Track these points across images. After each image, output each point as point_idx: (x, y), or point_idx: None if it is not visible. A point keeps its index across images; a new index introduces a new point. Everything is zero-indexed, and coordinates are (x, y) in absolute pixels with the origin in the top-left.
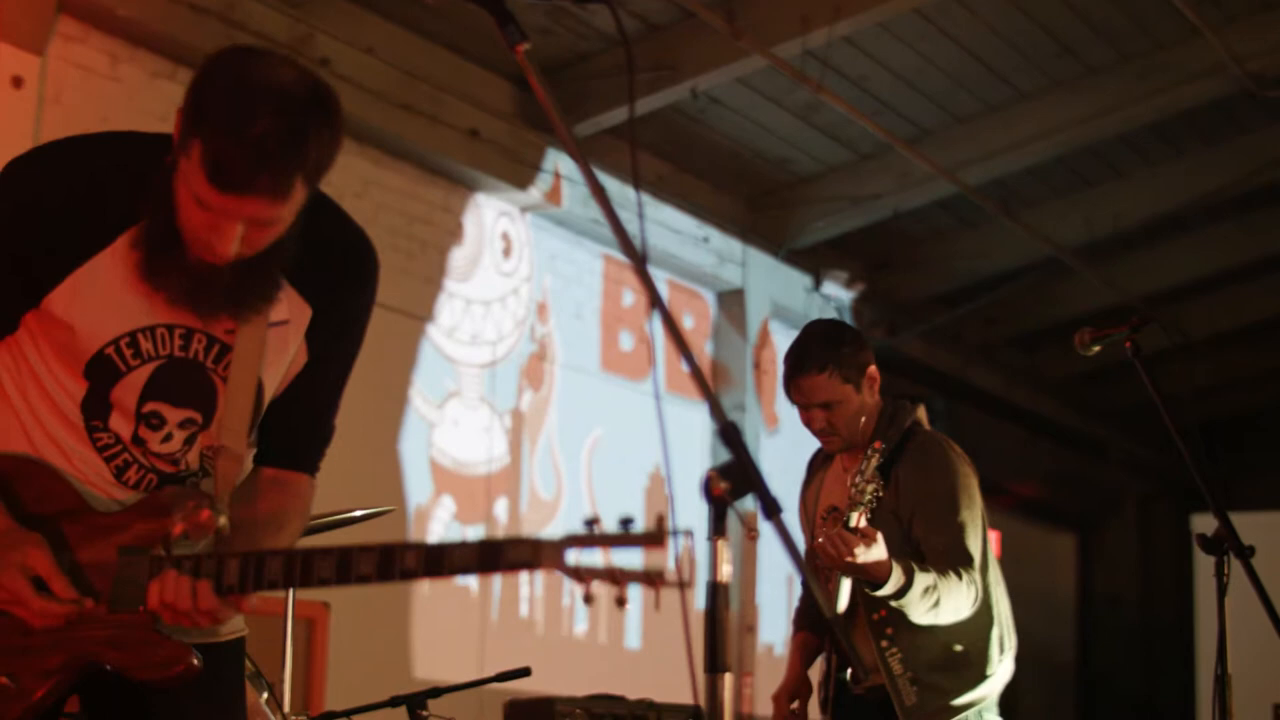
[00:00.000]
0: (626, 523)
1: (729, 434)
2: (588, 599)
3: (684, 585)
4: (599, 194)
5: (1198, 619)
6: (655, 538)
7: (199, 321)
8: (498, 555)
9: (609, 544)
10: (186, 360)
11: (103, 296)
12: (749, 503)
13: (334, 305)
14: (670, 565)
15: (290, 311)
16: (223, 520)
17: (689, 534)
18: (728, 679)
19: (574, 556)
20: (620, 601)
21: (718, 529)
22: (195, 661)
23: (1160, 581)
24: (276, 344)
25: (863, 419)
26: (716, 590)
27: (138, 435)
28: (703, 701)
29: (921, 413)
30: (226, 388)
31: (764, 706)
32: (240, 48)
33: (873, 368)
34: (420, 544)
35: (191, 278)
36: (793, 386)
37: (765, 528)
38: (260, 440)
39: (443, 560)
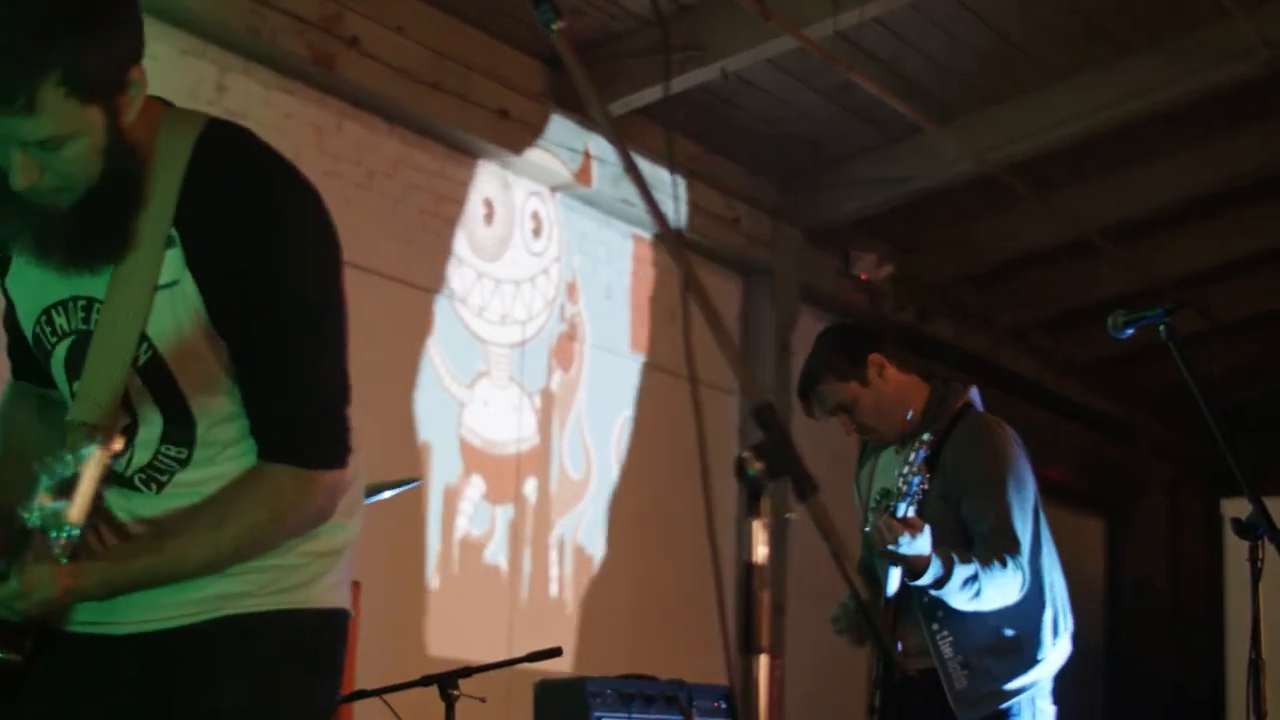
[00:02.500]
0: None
1: (765, 413)
2: None
3: None
4: (634, 173)
5: (1227, 603)
6: None
7: (92, 288)
8: None
9: None
10: (90, 334)
11: (24, 271)
12: (782, 483)
13: (222, 271)
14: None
15: (178, 272)
16: (73, 513)
17: None
18: (763, 660)
19: None
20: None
21: (751, 509)
22: None
23: (1190, 566)
24: (169, 309)
25: (895, 406)
26: (751, 571)
27: None
28: (736, 682)
29: (974, 394)
30: (89, 352)
31: (795, 688)
32: None
33: (874, 354)
34: None
35: (31, 227)
36: (807, 407)
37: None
38: None
39: None
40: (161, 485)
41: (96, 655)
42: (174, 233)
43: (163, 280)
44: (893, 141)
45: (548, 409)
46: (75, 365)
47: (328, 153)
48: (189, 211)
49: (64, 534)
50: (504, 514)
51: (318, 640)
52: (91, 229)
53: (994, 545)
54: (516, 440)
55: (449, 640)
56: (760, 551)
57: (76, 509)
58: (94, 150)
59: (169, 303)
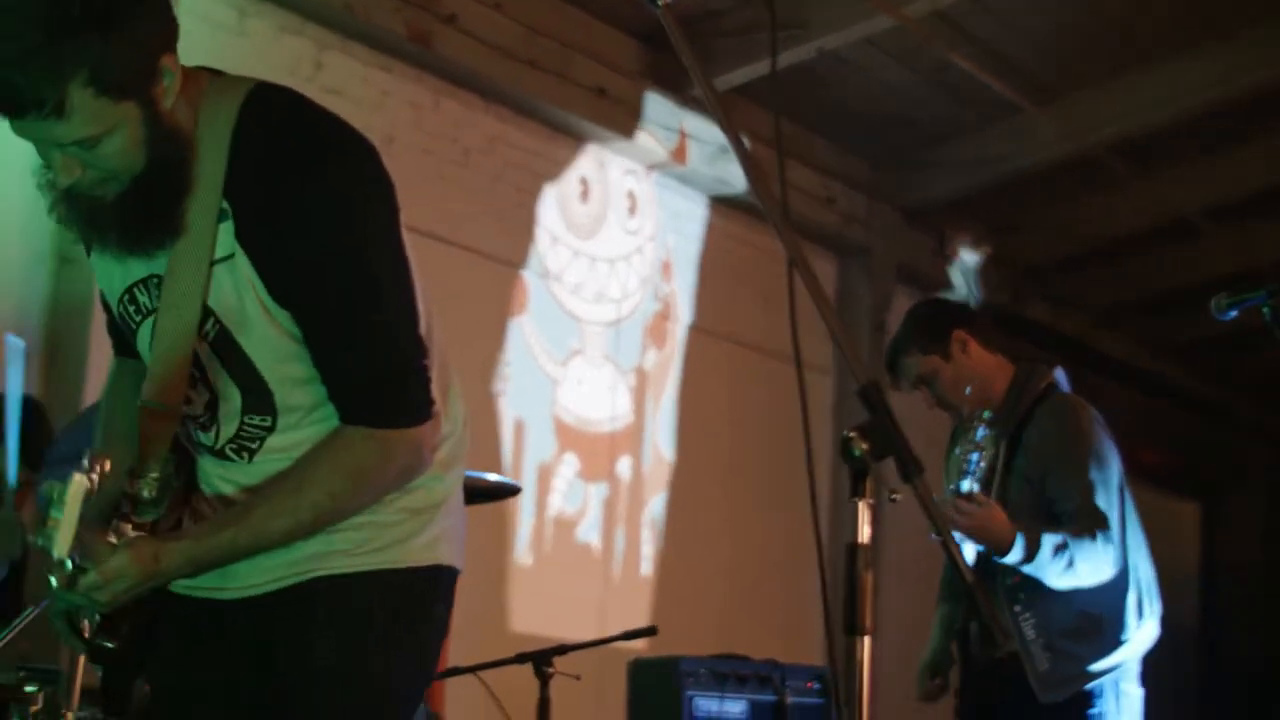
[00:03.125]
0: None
1: (870, 394)
2: None
3: None
4: (741, 152)
5: None
6: None
7: (163, 267)
8: None
9: None
10: None
11: (104, 253)
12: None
13: (275, 241)
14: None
15: (233, 245)
16: (145, 491)
17: None
18: (866, 642)
19: None
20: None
21: (856, 490)
22: None
23: None
24: (229, 283)
25: (975, 383)
26: (856, 552)
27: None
28: (839, 664)
29: (1059, 375)
30: (155, 332)
31: (881, 667)
32: None
33: (959, 331)
34: None
35: (82, 218)
36: (893, 379)
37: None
38: None
39: None
40: (252, 453)
41: (213, 619)
42: (225, 205)
43: (219, 254)
44: (990, 122)
45: (641, 387)
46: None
47: (424, 130)
48: (238, 183)
49: (62, 567)
50: (597, 492)
51: (413, 599)
52: (140, 216)
53: (1082, 522)
54: (610, 418)
55: (541, 618)
56: (865, 532)
57: (61, 542)
58: (133, 143)
59: (228, 276)
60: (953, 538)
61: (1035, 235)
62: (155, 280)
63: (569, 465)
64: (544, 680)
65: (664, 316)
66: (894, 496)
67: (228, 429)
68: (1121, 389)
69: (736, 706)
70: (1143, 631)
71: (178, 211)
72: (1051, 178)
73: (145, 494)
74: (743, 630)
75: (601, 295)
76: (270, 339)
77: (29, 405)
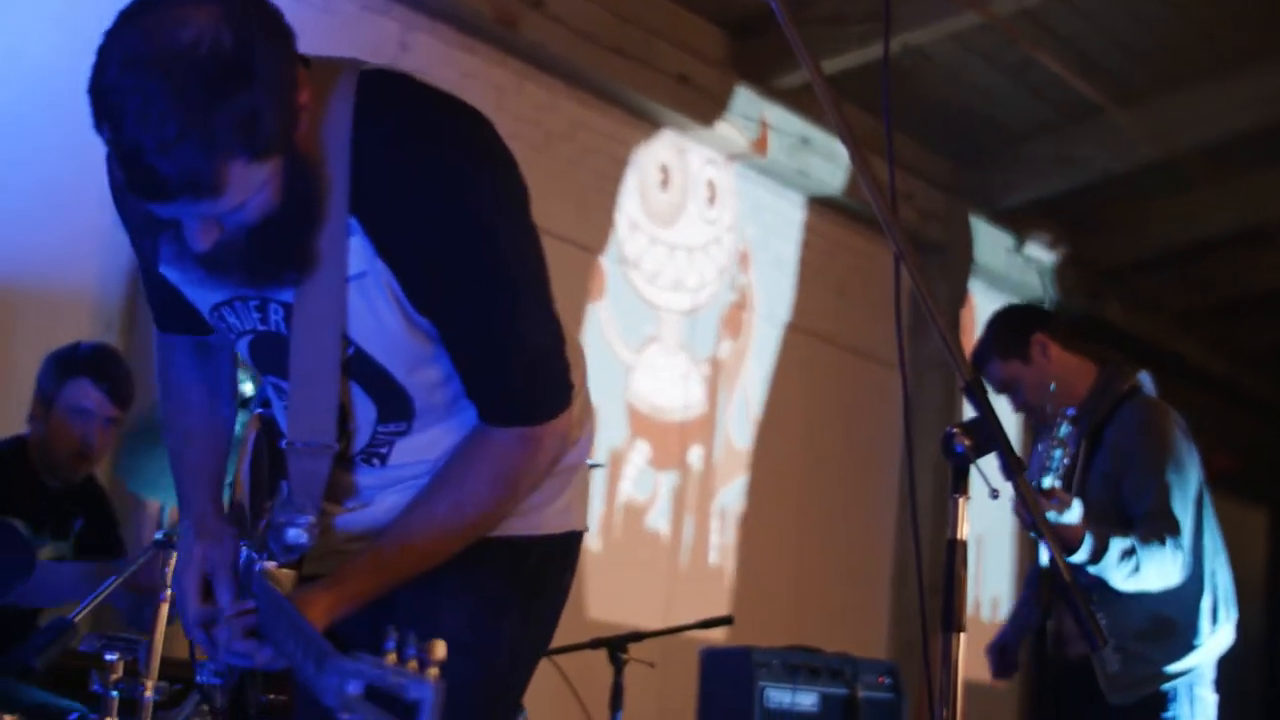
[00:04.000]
0: None
1: (974, 391)
2: None
3: None
4: (849, 140)
5: None
6: None
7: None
8: None
9: None
10: (269, 334)
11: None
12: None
13: (412, 249)
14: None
15: (367, 262)
16: (305, 538)
17: None
18: (962, 639)
19: None
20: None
21: (958, 487)
22: None
23: None
24: (364, 302)
25: (1054, 385)
26: (955, 548)
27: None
28: (937, 660)
29: (1143, 378)
30: (290, 365)
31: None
32: (122, 15)
33: (1038, 334)
34: None
35: (204, 265)
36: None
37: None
38: None
39: None
40: (385, 459)
41: None
42: (352, 220)
43: (351, 272)
44: (1072, 122)
45: (715, 377)
46: (264, 361)
47: (507, 113)
48: (363, 196)
49: None
50: (668, 480)
51: (546, 568)
52: (272, 255)
53: (1152, 525)
54: (683, 407)
55: (608, 603)
56: (964, 529)
57: None
58: (275, 193)
59: (361, 295)
60: (1052, 533)
61: (1114, 236)
62: (252, 302)
63: (640, 452)
64: (618, 666)
65: (740, 307)
66: (995, 493)
67: (359, 440)
68: (1193, 392)
69: (808, 699)
70: (1217, 637)
71: (312, 244)
72: (1132, 179)
73: (306, 541)
74: (809, 622)
75: (678, 284)
76: (409, 347)
77: (112, 354)
